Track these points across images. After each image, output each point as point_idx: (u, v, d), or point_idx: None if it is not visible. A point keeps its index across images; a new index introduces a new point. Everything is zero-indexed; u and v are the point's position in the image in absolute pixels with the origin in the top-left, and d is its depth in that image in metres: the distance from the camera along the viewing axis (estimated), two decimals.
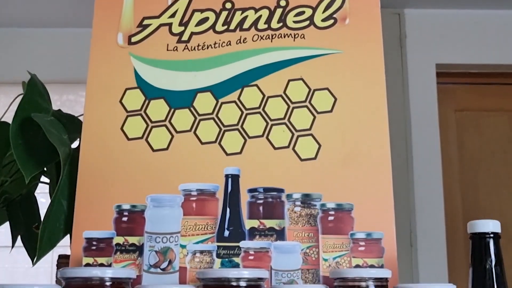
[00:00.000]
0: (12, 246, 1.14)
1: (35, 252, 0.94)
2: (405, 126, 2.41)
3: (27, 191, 1.15)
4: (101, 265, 0.91)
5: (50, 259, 2.31)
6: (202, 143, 0.98)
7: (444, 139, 2.46)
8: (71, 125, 1.07)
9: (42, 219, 0.95)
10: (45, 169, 1.09)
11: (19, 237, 1.15)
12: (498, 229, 0.85)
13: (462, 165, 2.50)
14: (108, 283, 0.77)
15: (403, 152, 2.37)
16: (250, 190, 0.95)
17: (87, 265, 0.91)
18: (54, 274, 0.82)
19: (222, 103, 1.00)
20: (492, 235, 0.84)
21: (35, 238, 0.95)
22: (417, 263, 2.27)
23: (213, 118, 0.99)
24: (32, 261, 1.02)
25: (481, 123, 2.55)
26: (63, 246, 0.94)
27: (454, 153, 2.50)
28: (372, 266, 0.92)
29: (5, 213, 1.13)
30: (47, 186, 1.09)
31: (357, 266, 0.92)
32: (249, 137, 0.98)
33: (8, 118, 1.03)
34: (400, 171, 2.32)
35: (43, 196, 1.12)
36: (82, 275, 0.78)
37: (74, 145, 1.05)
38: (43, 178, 1.13)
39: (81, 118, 1.03)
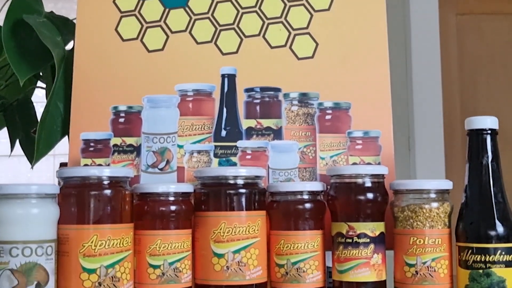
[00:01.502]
0: (11, 151, 1.14)
1: (34, 156, 0.94)
2: (404, 29, 2.37)
3: (24, 96, 1.14)
4: (99, 165, 0.92)
5: (52, 167, 2.33)
6: (197, 43, 0.96)
7: (444, 43, 2.42)
8: (65, 27, 1.06)
9: None
10: (41, 74, 1.08)
11: (18, 145, 1.15)
12: (495, 126, 0.84)
13: (462, 69, 2.48)
14: (106, 182, 0.78)
15: (402, 55, 2.35)
16: (247, 90, 0.94)
17: (85, 166, 0.92)
18: (56, 182, 0.83)
19: (218, 2, 0.97)
20: (489, 131, 0.84)
21: (33, 143, 0.95)
22: (415, 167, 2.29)
23: (208, 18, 0.97)
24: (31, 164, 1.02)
25: (482, 27, 2.51)
26: (65, 155, 0.94)
27: (454, 57, 2.47)
28: (369, 164, 0.93)
29: (3, 118, 1.13)
30: (45, 95, 1.09)
31: (354, 164, 0.93)
32: (245, 36, 0.96)
33: None
34: (399, 73, 2.30)
35: (42, 106, 1.12)
36: (80, 174, 0.78)
37: (69, 47, 1.03)
38: (40, 84, 1.12)
39: (75, 22, 1.01)
